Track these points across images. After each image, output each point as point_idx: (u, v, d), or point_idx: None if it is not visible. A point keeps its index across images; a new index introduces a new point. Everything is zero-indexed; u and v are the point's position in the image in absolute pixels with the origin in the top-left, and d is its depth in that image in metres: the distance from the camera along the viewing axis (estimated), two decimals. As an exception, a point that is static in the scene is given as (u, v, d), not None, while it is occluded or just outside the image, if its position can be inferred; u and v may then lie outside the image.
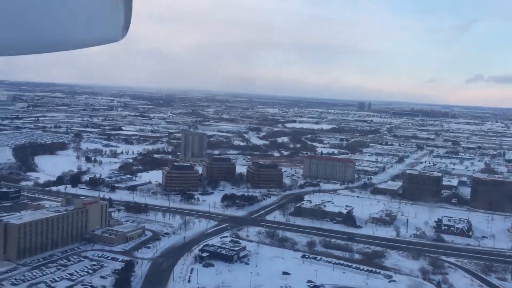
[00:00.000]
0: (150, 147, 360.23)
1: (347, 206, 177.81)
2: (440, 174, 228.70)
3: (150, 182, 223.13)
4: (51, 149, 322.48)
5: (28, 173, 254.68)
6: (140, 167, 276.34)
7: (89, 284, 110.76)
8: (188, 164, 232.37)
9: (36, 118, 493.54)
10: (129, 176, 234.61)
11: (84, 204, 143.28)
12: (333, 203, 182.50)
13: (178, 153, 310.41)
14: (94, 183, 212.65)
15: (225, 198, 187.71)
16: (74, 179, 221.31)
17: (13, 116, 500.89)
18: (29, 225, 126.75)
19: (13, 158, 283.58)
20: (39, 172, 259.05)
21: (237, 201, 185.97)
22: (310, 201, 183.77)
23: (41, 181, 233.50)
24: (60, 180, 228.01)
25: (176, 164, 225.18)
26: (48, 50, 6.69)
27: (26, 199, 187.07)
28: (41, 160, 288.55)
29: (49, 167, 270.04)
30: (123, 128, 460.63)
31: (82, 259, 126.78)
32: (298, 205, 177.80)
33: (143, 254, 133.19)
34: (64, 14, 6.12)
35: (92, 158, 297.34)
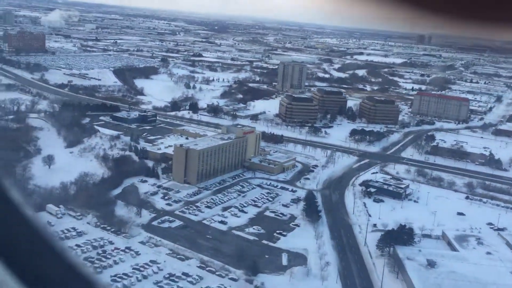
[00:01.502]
0: (235, 75, 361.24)
1: (485, 147, 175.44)
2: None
3: (264, 112, 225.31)
4: (145, 73, 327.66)
5: (138, 96, 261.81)
6: (241, 96, 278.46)
7: (278, 212, 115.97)
8: (307, 96, 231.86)
9: (115, 41, 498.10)
10: (242, 104, 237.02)
11: (244, 133, 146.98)
12: (467, 143, 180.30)
13: (274, 83, 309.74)
14: (215, 110, 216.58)
15: (354, 132, 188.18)
16: (193, 106, 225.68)
17: (93, 38, 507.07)
18: (207, 151, 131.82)
19: (118, 80, 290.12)
20: (147, 96, 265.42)
21: (365, 136, 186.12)
22: (444, 141, 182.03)
23: (154, 105, 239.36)
24: (175, 106, 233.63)
25: (295, 96, 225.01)
26: None
27: (161, 123, 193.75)
28: (140, 84, 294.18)
29: (152, 91, 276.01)
30: (203, 54, 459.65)
31: (254, 186, 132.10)
32: (434, 144, 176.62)
33: (306, 185, 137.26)
34: None
35: (191, 85, 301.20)
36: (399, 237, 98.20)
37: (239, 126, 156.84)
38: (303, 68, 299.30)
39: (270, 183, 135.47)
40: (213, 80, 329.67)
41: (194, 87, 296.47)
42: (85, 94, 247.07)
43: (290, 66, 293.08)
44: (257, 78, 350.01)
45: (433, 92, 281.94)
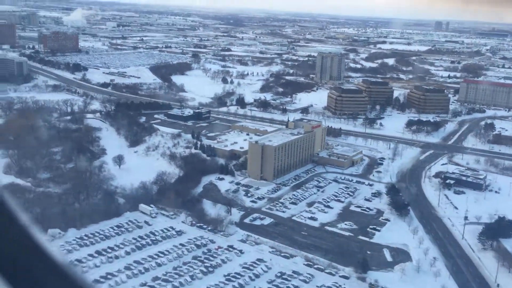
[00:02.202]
0: (266, 68, 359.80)
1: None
2: None
3: (311, 105, 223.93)
4: (179, 69, 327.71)
5: (180, 93, 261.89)
6: (281, 89, 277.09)
7: (364, 207, 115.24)
8: (356, 87, 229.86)
9: (141, 38, 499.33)
10: (288, 98, 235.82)
11: (312, 127, 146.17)
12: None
13: (312, 76, 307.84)
14: (264, 105, 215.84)
15: (410, 123, 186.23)
16: (240, 101, 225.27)
17: (119, 36, 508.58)
18: (282, 146, 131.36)
19: (157, 78, 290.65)
20: (188, 92, 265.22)
21: (422, 126, 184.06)
22: (506, 129, 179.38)
23: (199, 101, 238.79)
24: (221, 101, 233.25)
25: (344, 88, 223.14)
26: None
27: (215, 119, 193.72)
28: (177, 80, 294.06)
29: (192, 87, 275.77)
30: (232, 49, 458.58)
31: (330, 181, 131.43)
32: (496, 132, 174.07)
33: (380, 178, 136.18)
34: None
35: (228, 80, 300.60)
36: (500, 230, 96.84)
37: (305, 120, 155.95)
38: (342, 59, 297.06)
39: (344, 177, 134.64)
40: (247, 74, 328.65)
41: (231, 82, 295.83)
42: (129, 92, 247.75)
43: (329, 58, 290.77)
44: (290, 71, 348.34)
45: (478, 79, 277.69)
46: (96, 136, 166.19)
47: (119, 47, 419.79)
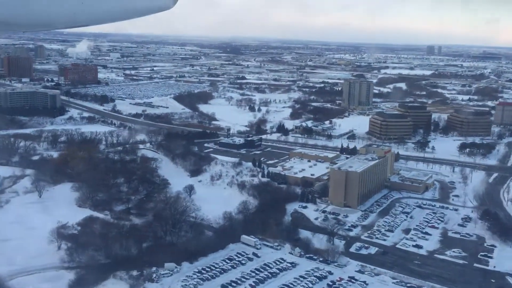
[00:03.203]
0: (284, 95, 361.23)
1: None
2: None
3: (352, 131, 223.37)
4: (202, 98, 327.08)
5: (213, 122, 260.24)
6: (310, 115, 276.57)
7: (463, 233, 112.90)
8: (399, 112, 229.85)
9: (152, 68, 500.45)
10: (328, 124, 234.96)
11: (385, 152, 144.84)
12: None
13: (339, 102, 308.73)
14: (309, 131, 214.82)
15: (463, 146, 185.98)
16: (281, 128, 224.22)
17: (129, 66, 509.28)
18: (365, 172, 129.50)
19: (185, 107, 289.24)
20: (219, 121, 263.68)
21: (475, 149, 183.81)
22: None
23: (233, 130, 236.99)
24: (259, 129, 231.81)
25: (388, 112, 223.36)
26: (103, 21, 6.62)
27: (266, 147, 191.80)
28: (204, 109, 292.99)
29: (222, 115, 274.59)
30: (246, 77, 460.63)
31: (414, 207, 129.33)
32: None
33: (461, 202, 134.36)
34: None
35: (256, 108, 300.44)
36: None
37: (374, 146, 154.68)
38: (370, 85, 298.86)
39: (426, 202, 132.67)
40: (270, 101, 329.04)
41: (259, 110, 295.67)
42: (162, 122, 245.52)
43: (357, 84, 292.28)
44: (311, 97, 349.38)
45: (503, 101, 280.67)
46: (154, 167, 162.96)
47: (134, 77, 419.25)
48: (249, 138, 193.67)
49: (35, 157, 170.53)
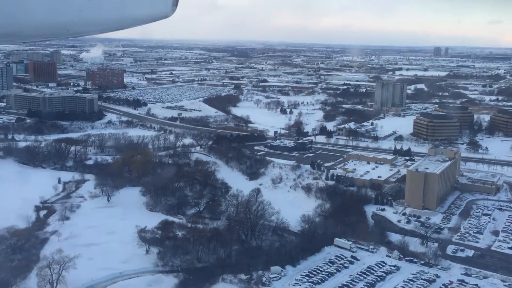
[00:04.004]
0: (310, 97, 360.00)
1: None
2: None
3: (395, 132, 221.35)
4: (229, 101, 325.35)
5: (249, 125, 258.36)
6: (344, 117, 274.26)
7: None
8: (445, 113, 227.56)
9: (170, 72, 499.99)
10: (369, 126, 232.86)
11: (454, 153, 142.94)
12: None
13: (370, 103, 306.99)
14: (354, 133, 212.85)
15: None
16: (324, 130, 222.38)
17: (148, 71, 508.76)
18: (442, 174, 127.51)
19: (218, 110, 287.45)
20: (254, 124, 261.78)
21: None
22: None
23: (271, 133, 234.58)
24: (300, 131, 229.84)
25: (432, 113, 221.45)
26: (103, 30, 6.66)
27: (316, 149, 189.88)
28: (236, 112, 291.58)
29: (255, 118, 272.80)
30: (268, 79, 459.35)
31: (493, 208, 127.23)
32: None
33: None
34: None
35: (287, 110, 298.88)
36: None
37: (442, 147, 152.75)
38: (404, 86, 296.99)
39: (504, 204, 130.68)
40: (298, 104, 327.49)
41: (291, 112, 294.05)
42: (200, 125, 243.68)
43: (390, 85, 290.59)
44: (338, 99, 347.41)
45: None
46: (214, 170, 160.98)
47: (157, 81, 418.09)
48: (300, 141, 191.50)
49: (89, 162, 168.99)
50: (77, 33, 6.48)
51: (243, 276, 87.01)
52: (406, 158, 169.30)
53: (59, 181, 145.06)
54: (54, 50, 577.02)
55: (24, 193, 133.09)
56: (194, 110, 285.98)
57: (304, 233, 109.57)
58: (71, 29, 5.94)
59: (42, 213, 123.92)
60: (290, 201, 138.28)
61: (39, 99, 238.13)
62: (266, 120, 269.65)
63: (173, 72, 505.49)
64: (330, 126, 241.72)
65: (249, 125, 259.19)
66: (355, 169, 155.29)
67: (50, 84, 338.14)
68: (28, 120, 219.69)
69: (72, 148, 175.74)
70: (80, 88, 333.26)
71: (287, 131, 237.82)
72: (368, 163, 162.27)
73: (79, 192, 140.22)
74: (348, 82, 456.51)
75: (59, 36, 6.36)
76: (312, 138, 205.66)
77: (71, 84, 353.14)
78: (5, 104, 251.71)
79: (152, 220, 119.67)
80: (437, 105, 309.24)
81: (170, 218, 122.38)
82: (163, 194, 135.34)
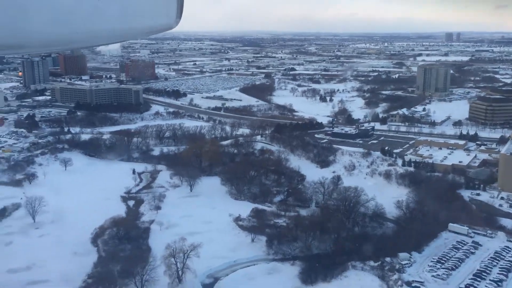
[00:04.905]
0: (342, 85, 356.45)
1: None
2: None
3: (449, 117, 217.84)
4: (264, 90, 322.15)
5: (294, 113, 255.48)
6: (388, 104, 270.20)
7: None
8: (504, 96, 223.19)
9: (194, 63, 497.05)
10: (421, 111, 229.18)
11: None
12: None
13: (411, 89, 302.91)
14: (410, 119, 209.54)
15: None
16: (376, 116, 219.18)
17: (172, 62, 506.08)
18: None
19: (258, 99, 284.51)
20: (298, 112, 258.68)
21: None
22: None
23: (319, 121, 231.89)
24: (350, 119, 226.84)
25: (491, 97, 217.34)
26: (107, 42, 6.72)
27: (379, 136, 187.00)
28: (276, 101, 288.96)
29: (298, 107, 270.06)
30: (296, 68, 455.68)
31: None
32: None
33: None
34: (122, 5, 6.12)
35: (327, 98, 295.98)
36: None
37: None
38: (448, 71, 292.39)
39: None
40: (334, 91, 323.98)
41: (331, 100, 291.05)
42: (246, 114, 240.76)
43: (434, 70, 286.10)
44: (371, 86, 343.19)
45: None
46: (284, 158, 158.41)
47: (186, 72, 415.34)
48: (362, 128, 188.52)
49: (154, 153, 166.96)
50: (81, 45, 6.40)
51: (372, 263, 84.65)
52: (478, 143, 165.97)
53: (134, 172, 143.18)
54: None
55: (105, 184, 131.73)
56: (235, 99, 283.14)
57: (406, 220, 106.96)
58: (75, 41, 5.88)
59: (131, 203, 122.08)
60: (369, 188, 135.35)
61: (85, 92, 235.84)
62: (309, 108, 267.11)
63: (196, 63, 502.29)
64: (367, 112, 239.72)
65: (294, 113, 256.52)
66: (431, 154, 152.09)
67: (84, 77, 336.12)
68: (78, 113, 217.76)
69: (135, 140, 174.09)
70: (114, 81, 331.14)
71: (334, 119, 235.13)
72: (440, 148, 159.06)
73: (158, 182, 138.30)
74: (376, 69, 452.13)
75: (63, 48, 6.24)
76: (373, 124, 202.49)
77: (103, 76, 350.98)
78: (50, 97, 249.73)
79: (241, 208, 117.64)
80: (478, 90, 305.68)
81: (260, 207, 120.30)
82: (243, 183, 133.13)
